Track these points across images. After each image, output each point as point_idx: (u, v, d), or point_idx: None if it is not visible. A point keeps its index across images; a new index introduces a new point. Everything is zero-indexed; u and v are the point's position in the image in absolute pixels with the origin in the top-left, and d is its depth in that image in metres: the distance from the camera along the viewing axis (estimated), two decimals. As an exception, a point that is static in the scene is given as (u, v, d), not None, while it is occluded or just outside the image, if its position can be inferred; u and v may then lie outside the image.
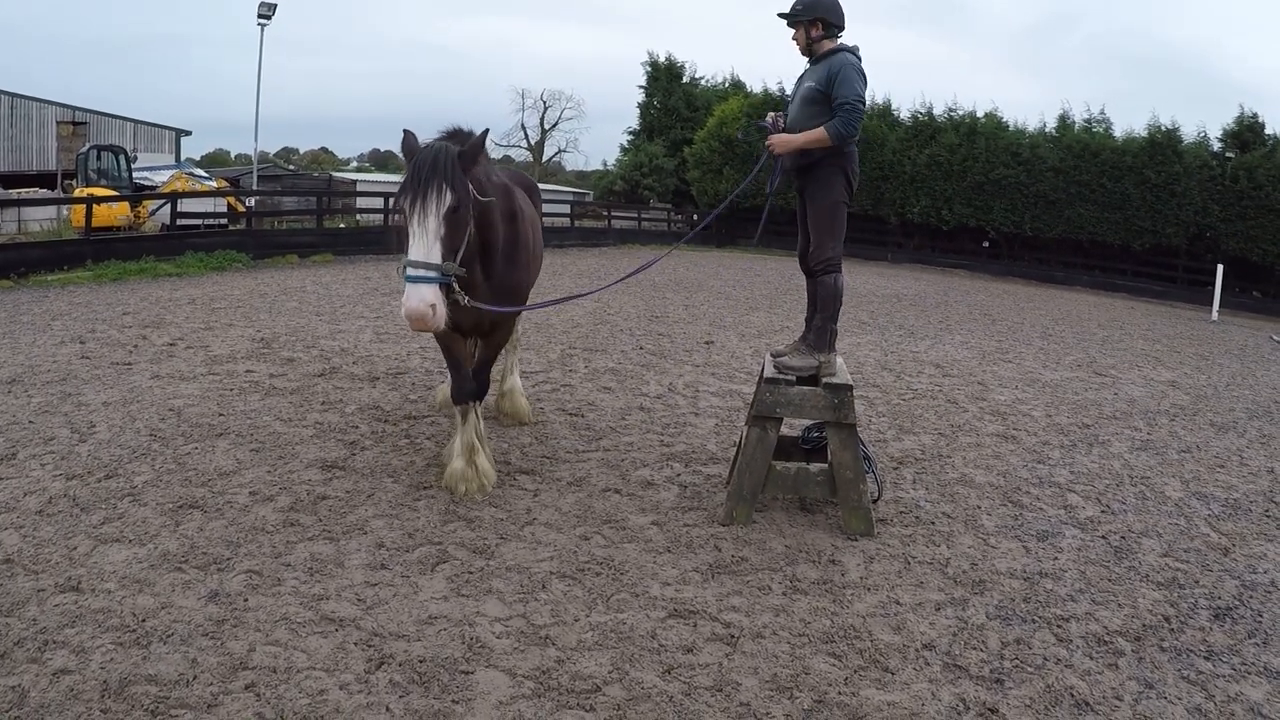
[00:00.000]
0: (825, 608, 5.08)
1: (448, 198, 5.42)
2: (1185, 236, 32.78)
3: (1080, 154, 33.84)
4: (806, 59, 6.53)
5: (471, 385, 6.63)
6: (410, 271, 5.33)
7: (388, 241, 25.85)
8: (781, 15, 6.47)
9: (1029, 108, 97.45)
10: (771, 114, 6.46)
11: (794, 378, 6.19)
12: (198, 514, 5.85)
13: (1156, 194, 32.63)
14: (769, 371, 6.26)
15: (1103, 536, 6.56)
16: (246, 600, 4.73)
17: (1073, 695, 4.39)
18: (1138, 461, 8.72)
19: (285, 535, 5.58)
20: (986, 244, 37.04)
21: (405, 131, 5.80)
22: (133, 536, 5.48)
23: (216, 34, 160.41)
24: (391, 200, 28.86)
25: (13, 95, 52.00)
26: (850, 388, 6.10)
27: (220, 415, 8.07)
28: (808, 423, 6.95)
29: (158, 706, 3.78)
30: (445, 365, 7.14)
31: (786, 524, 6.24)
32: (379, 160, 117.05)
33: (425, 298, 5.27)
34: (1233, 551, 6.51)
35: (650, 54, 44.76)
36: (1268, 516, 7.41)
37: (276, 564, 5.18)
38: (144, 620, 4.49)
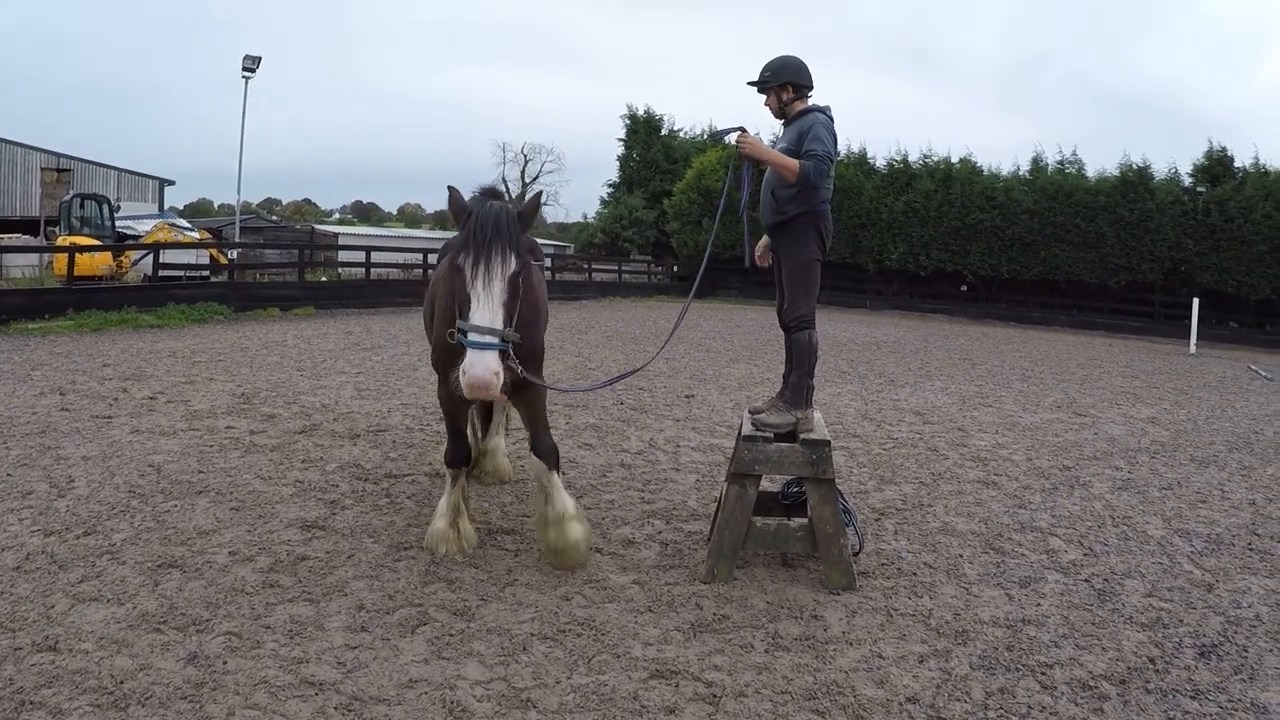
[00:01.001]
0: (808, 664, 5.05)
1: (512, 262, 5.27)
2: (1160, 272, 33.50)
3: (1054, 195, 34.57)
4: (780, 122, 6.64)
5: (466, 450, 6.53)
6: (474, 337, 5.15)
7: (369, 295, 26.02)
8: (751, 84, 6.61)
9: (1007, 149, 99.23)
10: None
11: (772, 434, 6.21)
12: (177, 573, 5.81)
13: (1130, 231, 33.36)
14: (747, 429, 6.28)
15: (1085, 580, 6.56)
16: (226, 663, 4.69)
17: (1057, 743, 4.29)
18: (1119, 501, 8.74)
19: (265, 596, 5.53)
20: (964, 288, 37.56)
21: (451, 189, 5.61)
22: (111, 596, 5.44)
23: (202, 82, 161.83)
24: (369, 253, 29.45)
25: (-4, 140, 52.43)
26: (828, 443, 6.14)
27: (200, 472, 8.04)
28: (788, 477, 6.93)
29: (136, 775, 3.73)
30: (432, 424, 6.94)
31: (768, 580, 6.21)
32: (361, 212, 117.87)
33: (490, 365, 5.10)
34: (1216, 587, 6.53)
35: (629, 106, 45.54)
36: (1251, 550, 7.44)
37: (256, 626, 5.13)
38: (122, 682, 4.45)
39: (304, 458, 8.75)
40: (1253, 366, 22.93)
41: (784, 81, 6.44)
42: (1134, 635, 5.63)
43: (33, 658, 4.66)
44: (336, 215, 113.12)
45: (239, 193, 44.99)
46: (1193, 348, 26.89)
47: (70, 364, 13.60)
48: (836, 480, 6.19)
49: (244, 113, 41.97)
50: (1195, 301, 27.95)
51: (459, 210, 5.48)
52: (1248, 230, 31.35)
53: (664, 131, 45.17)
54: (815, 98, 6.61)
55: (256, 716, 4.20)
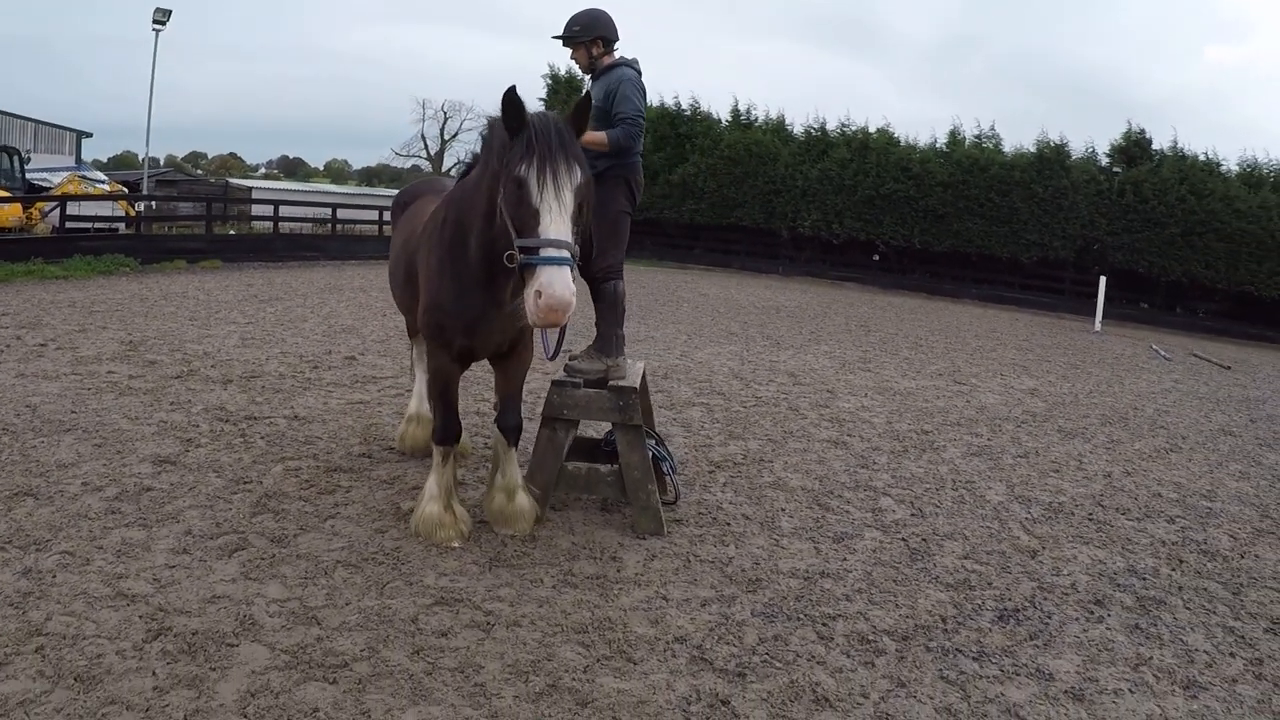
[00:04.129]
0: (589, 600, 5.30)
1: (578, 172, 4.89)
2: (1073, 250, 33.82)
3: (969, 169, 34.77)
4: (589, 77, 6.73)
5: (458, 426, 6.18)
6: (552, 252, 4.67)
7: (277, 249, 26.22)
8: (559, 38, 6.67)
9: (940, 125, 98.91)
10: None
11: (580, 380, 6.44)
12: (30, 501, 6.24)
13: (1044, 208, 33.69)
14: (559, 375, 6.57)
15: (903, 539, 6.69)
16: (55, 577, 5.13)
17: (815, 691, 4.50)
18: (968, 466, 8.88)
19: (104, 522, 5.96)
20: (876, 257, 37.77)
21: (511, 89, 4.95)
22: None
23: (128, 35, 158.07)
24: (277, 207, 29.33)
25: (-96, 93, 51.65)
26: (635, 390, 6.38)
27: (73, 413, 8.39)
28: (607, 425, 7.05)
29: (-46, 663, 4.23)
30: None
31: (580, 523, 6.49)
32: (288, 167, 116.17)
33: (569, 284, 4.65)
34: (1040, 554, 6.62)
35: (551, 67, 44.53)
36: (1091, 520, 7.54)
37: (90, 546, 5.57)
38: None
39: (173, 400, 9.09)
40: (1155, 346, 23.39)
41: (595, 36, 6.56)
42: (935, 595, 5.74)
43: (-123, 570, 5.08)
44: (263, 170, 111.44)
45: (147, 145, 44.77)
46: (1098, 325, 27.24)
47: (-32, 313, 13.77)
48: (665, 433, 6.42)
49: (154, 65, 42.96)
50: (1102, 280, 28.34)
51: (515, 117, 4.96)
52: (1161, 212, 31.87)
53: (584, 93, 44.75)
54: (621, 50, 6.77)
55: (70, 622, 4.66)
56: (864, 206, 36.37)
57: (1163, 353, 22.11)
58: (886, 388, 12.95)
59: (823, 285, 34.49)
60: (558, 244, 4.70)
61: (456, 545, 5.91)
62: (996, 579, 6.09)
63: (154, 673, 4.26)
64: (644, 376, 7.29)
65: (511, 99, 4.92)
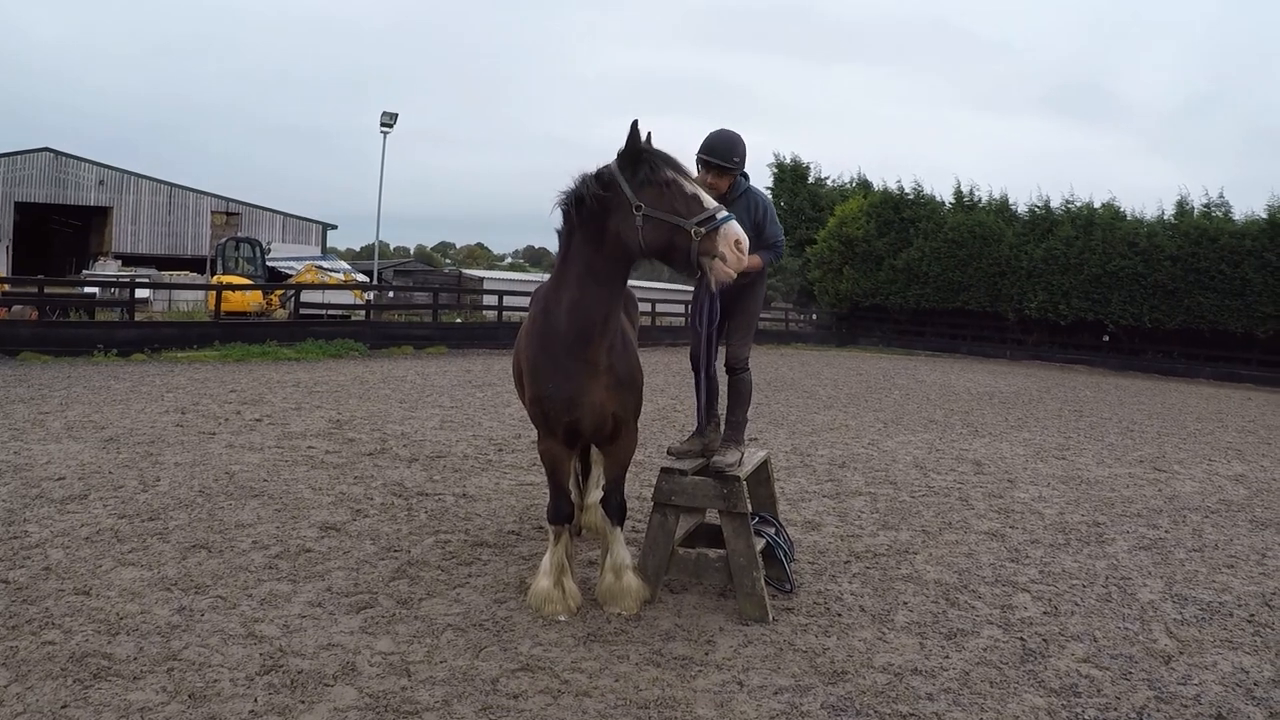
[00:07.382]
0: (665, 679, 5.39)
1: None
2: (1313, 321, 31.20)
3: (1198, 240, 33.31)
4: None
5: (570, 506, 6.66)
6: (726, 213, 5.51)
7: (501, 336, 27.44)
8: (720, 164, 6.63)
9: (1165, 196, 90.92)
10: None
11: (687, 468, 6.66)
12: (204, 553, 7.29)
13: (1278, 277, 31.74)
14: (667, 462, 6.85)
15: (1021, 638, 6.31)
16: (203, 616, 6.06)
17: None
18: (1130, 561, 8.35)
19: (260, 575, 6.88)
20: (1106, 338, 36.59)
21: (636, 122, 5.77)
22: (146, 563, 6.98)
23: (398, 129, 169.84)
24: (501, 297, 30.52)
25: (172, 185, 59.28)
26: (738, 479, 6.47)
27: (264, 481, 9.51)
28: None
29: (101, 672, 5.19)
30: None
31: (692, 607, 6.60)
32: (533, 256, 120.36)
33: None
34: (1175, 660, 6.09)
35: (776, 155, 45.38)
36: (1250, 622, 6.91)
37: (241, 594, 6.48)
38: (122, 619, 5.90)
39: (357, 475, 10.08)
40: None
41: (744, 169, 6.80)
42: (1031, 699, 5.39)
43: (69, 598, 6.21)
44: (509, 260, 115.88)
45: (377, 235, 50.93)
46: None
47: (202, 389, 15.60)
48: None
49: (382, 164, 49.28)
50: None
51: (637, 143, 5.76)
52: None
53: (810, 179, 45.38)
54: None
55: (203, 652, 5.54)
56: (1090, 285, 35.43)
57: None
58: (1074, 476, 12.36)
59: (1050, 369, 33.44)
60: (723, 207, 5.57)
61: (563, 619, 6.29)
62: (1110, 686, 5.62)
63: (255, 699, 5.01)
64: (765, 465, 7.64)
65: (635, 132, 5.74)
